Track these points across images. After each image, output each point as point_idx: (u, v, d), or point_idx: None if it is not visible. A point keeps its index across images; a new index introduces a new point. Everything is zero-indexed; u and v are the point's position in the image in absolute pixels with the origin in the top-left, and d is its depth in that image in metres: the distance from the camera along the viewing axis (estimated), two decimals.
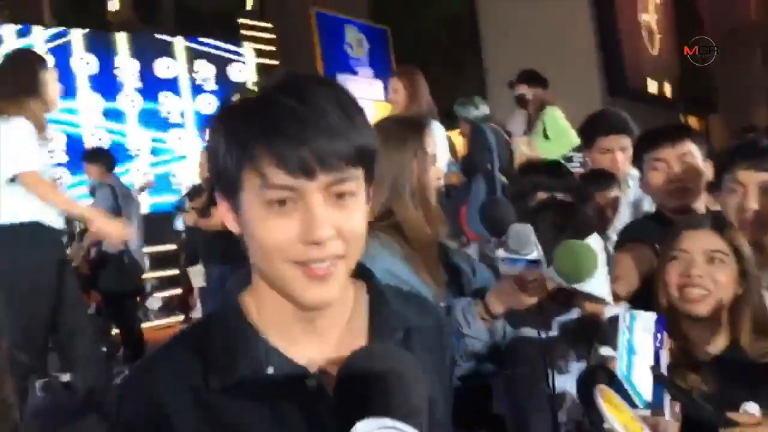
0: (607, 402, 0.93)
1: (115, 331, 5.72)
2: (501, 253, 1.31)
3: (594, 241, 1.28)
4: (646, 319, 1.14)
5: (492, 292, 1.42)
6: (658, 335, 1.13)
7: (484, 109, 4.07)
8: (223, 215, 0.81)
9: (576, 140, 4.43)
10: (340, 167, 0.74)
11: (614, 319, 1.12)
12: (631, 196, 2.66)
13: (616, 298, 1.43)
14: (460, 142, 4.85)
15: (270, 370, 0.76)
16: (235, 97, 0.84)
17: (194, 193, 5.02)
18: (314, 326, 0.81)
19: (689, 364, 1.38)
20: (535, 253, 1.29)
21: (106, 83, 8.24)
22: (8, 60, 3.25)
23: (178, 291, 7.65)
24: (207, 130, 0.84)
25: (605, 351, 1.10)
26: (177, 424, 0.74)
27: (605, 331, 1.14)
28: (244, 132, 0.74)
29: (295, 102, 0.73)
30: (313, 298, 0.75)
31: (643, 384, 1.04)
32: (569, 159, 3.97)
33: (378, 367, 0.65)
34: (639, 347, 1.06)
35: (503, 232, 1.31)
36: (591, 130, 2.59)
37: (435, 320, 0.97)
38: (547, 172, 1.85)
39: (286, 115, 0.73)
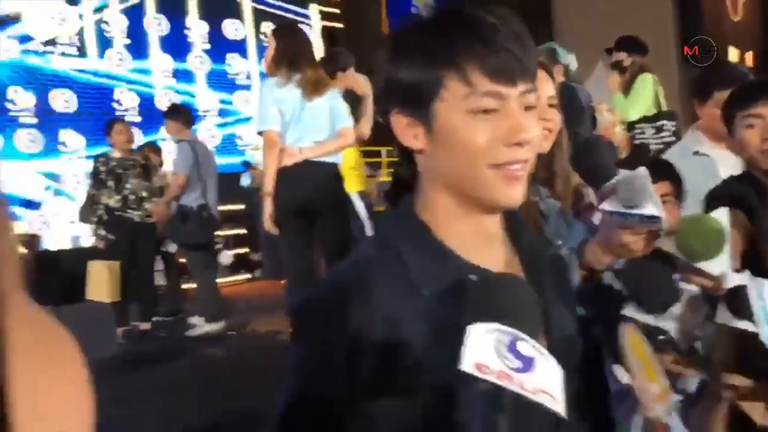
0: (632, 343, 0.91)
1: (188, 285, 5.93)
2: (607, 206, 1.09)
3: (720, 214, 1.13)
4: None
5: (592, 244, 1.24)
6: None
7: (574, 64, 3.91)
8: (401, 132, 0.83)
9: (651, 108, 4.26)
10: (532, 77, 0.80)
11: (740, 289, 1.03)
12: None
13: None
14: None
15: (473, 277, 0.77)
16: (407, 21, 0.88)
17: None
18: (487, 239, 0.86)
19: None
20: (651, 206, 1.05)
21: (176, 44, 8.38)
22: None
23: (245, 249, 7.83)
24: (382, 54, 0.86)
25: (741, 324, 1.01)
26: (406, 329, 0.77)
27: (732, 301, 1.04)
28: (446, 42, 0.78)
29: (484, 14, 0.78)
30: (509, 197, 0.81)
31: None
32: (660, 128, 3.82)
33: (508, 287, 0.68)
34: None
35: (604, 179, 1.11)
36: (708, 82, 2.41)
37: (560, 252, 1.03)
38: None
39: (484, 25, 0.78)
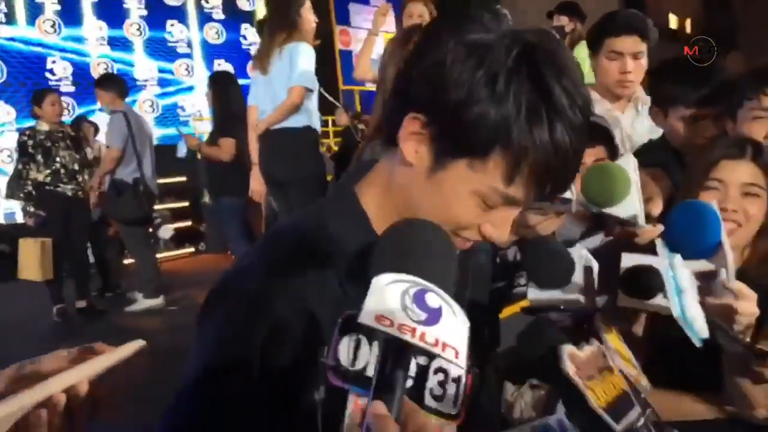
0: (609, 336, 0.94)
1: (128, 260, 5.80)
2: None
3: (625, 161, 1.15)
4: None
5: None
6: None
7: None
8: (405, 135, 0.74)
9: (587, 76, 4.30)
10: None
11: (646, 269, 1.01)
12: (645, 125, 2.18)
13: (650, 219, 1.29)
14: None
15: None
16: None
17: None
18: None
19: None
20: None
21: (111, 10, 8.03)
22: None
23: (187, 223, 7.70)
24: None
25: (659, 301, 1.01)
26: (325, 331, 0.72)
27: (650, 279, 1.06)
28: (513, 104, 0.68)
29: (568, 94, 0.69)
30: None
31: (697, 321, 0.99)
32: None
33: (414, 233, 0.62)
34: (684, 284, 1.01)
35: None
36: (599, 31, 2.14)
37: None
38: None
39: (563, 113, 0.69)
